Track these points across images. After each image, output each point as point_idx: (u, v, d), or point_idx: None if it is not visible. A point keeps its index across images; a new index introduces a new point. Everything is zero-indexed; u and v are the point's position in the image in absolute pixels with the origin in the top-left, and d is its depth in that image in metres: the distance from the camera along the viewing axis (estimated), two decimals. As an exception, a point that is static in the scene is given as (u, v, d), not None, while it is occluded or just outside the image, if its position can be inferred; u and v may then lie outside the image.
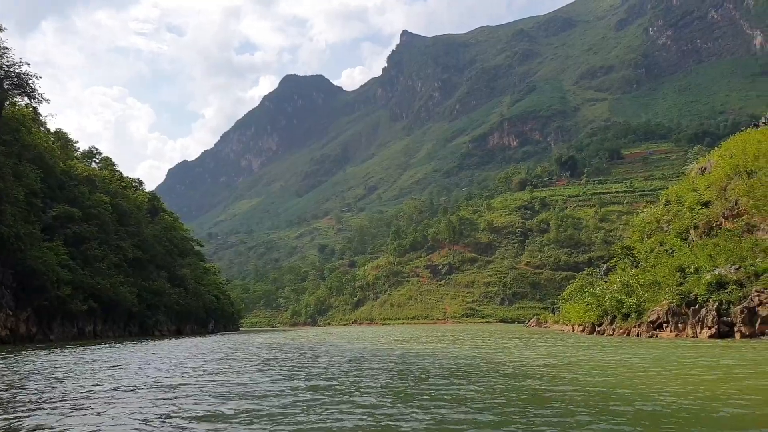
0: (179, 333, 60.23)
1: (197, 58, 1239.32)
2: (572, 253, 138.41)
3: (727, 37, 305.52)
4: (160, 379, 13.22)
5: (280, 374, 14.14)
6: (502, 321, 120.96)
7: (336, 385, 11.78)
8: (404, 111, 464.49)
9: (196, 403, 9.42)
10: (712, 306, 24.09)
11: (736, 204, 28.01)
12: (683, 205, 35.51)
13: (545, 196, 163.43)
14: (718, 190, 30.19)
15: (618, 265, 50.64)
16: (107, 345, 33.13)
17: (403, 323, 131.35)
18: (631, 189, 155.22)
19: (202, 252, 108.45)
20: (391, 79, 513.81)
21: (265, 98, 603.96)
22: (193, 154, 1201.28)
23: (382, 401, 9.39)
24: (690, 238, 32.68)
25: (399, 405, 8.96)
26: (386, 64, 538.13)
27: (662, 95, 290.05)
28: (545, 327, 62.39)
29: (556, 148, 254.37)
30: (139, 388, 11.67)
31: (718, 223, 29.66)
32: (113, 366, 17.57)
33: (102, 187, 57.05)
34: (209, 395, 10.44)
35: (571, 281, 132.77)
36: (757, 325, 22.42)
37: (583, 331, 38.92)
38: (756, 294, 22.22)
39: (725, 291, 24.32)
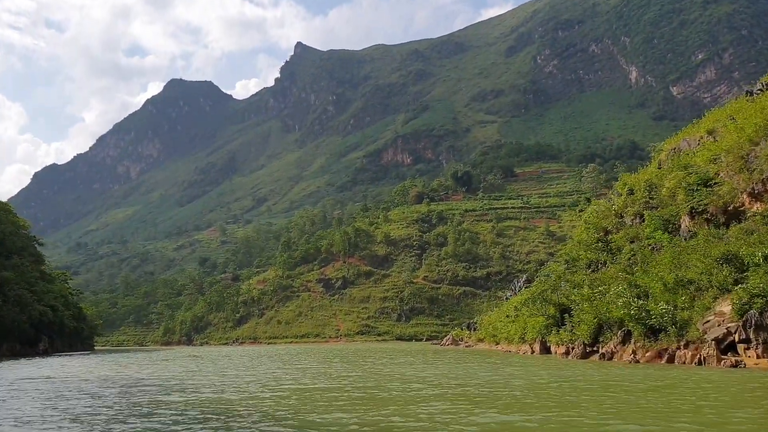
0: (-13, 355, 45.00)
1: (79, 57, 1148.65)
2: (470, 267, 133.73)
3: (606, 70, 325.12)
4: None
5: None
6: (399, 339, 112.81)
7: None
8: (297, 123, 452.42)
9: None
10: None
11: (774, 175, 20.92)
12: (661, 191, 28.50)
13: (442, 210, 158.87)
14: (736, 162, 23.13)
15: (553, 271, 43.40)
16: None
17: (291, 342, 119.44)
18: (527, 205, 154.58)
19: (68, 262, 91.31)
20: (283, 90, 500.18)
21: (148, 102, 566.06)
22: (69, 159, 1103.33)
23: None
24: (684, 228, 25.47)
25: None
26: (279, 75, 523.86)
27: (548, 120, 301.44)
28: (467, 346, 53.81)
29: (449, 167, 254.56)
30: None
31: (739, 204, 22.61)
32: None
33: None
34: None
35: (469, 297, 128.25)
36: None
37: (567, 354, 28.68)
38: None
39: None
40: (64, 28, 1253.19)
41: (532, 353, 34.33)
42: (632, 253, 28.27)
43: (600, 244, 32.03)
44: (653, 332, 22.80)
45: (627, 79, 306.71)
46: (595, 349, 27.07)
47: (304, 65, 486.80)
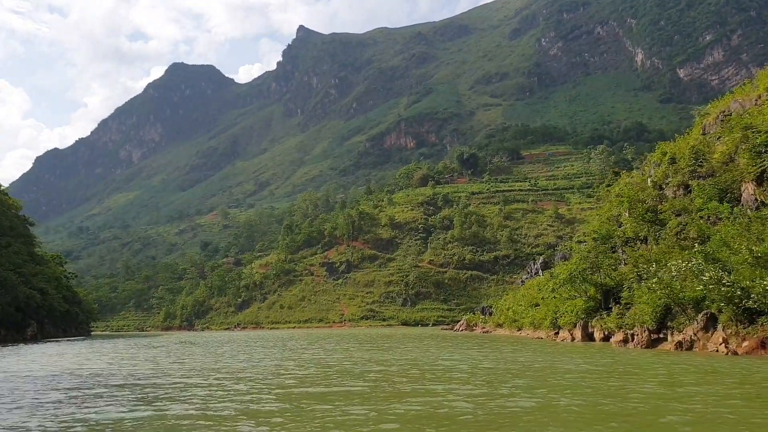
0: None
1: (81, 42, 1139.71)
2: (477, 251, 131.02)
3: (611, 53, 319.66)
4: None
5: None
6: (405, 324, 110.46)
7: None
8: (299, 107, 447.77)
9: None
10: None
11: None
12: (711, 158, 25.53)
13: (448, 192, 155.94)
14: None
15: (574, 253, 40.59)
16: None
17: (294, 327, 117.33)
18: (535, 187, 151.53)
19: (69, 246, 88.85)
20: (285, 74, 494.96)
21: (150, 86, 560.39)
22: (71, 143, 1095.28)
23: None
24: (748, 196, 22.56)
25: None
26: (281, 58, 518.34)
27: (553, 103, 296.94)
28: (485, 332, 51.09)
29: (453, 150, 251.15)
30: None
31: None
32: None
33: None
34: None
35: (476, 281, 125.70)
36: None
37: (625, 342, 24.67)
38: None
39: None
40: (66, 13, 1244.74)
41: (572, 340, 31.02)
42: (681, 226, 25.38)
43: (650, 215, 28.80)
44: (749, 316, 18.90)
45: (633, 62, 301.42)
46: (661, 336, 23.40)
47: (307, 49, 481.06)
